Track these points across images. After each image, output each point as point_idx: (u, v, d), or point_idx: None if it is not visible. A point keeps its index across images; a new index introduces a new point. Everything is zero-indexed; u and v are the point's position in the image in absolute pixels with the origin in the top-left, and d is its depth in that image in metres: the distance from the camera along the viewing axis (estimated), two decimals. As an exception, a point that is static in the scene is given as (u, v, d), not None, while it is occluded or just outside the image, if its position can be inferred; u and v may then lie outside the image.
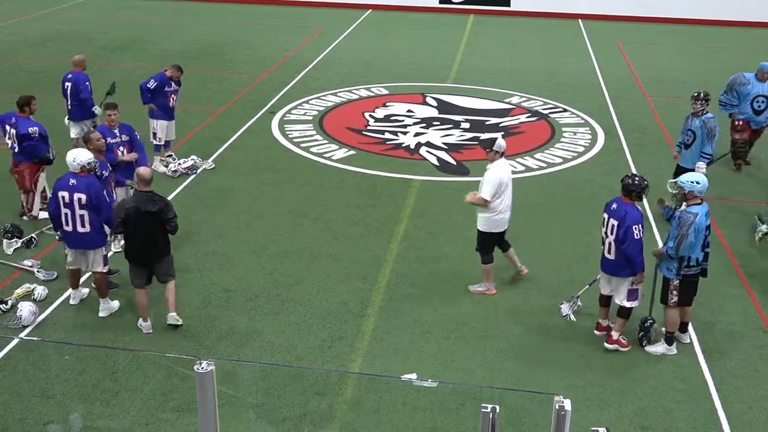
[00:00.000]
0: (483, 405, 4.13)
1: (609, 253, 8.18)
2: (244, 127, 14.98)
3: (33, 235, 10.35)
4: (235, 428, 7.02)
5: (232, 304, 9.07)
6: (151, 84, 12.39)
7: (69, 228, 8.58)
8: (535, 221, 11.32)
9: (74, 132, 12.40)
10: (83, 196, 8.45)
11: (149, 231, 8.28)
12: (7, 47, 21.00)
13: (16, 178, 10.85)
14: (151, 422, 7.08)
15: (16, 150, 10.73)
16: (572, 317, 8.86)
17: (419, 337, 8.51)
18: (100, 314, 8.76)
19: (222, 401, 4.87)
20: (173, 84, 12.66)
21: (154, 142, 12.79)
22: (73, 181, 8.50)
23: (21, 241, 10.23)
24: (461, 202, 12.00)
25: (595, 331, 8.61)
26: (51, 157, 10.82)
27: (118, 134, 10.30)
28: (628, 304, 8.26)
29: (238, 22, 24.94)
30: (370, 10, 27.39)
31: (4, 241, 10.16)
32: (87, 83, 12.30)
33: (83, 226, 8.53)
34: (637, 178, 8.11)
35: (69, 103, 12.36)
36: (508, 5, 27.59)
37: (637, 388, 7.75)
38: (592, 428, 4.66)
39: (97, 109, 12.34)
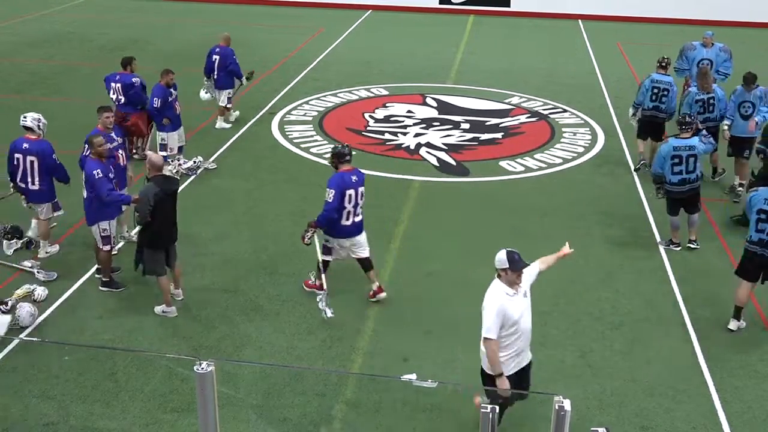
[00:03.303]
0: (483, 405, 4.13)
1: (356, 216, 8.98)
2: (245, 128, 14.98)
3: (31, 235, 10.36)
4: (235, 429, 7.02)
5: (232, 304, 9.07)
6: (157, 103, 12.17)
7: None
8: (536, 221, 11.31)
9: (222, 99, 14.67)
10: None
11: (173, 211, 8.71)
12: (7, 47, 20.99)
13: (132, 129, 11.82)
14: (151, 423, 7.08)
15: (122, 102, 12.11)
16: (328, 312, 8.45)
17: (419, 337, 8.51)
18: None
19: (222, 402, 4.87)
20: (172, 91, 12.57)
21: (164, 154, 12.48)
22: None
23: (21, 241, 10.24)
24: (461, 203, 12.08)
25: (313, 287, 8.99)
26: (148, 107, 12.24)
27: (115, 137, 9.93)
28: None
29: (238, 22, 24.93)
30: (370, 11, 27.38)
31: (4, 242, 10.16)
32: (234, 57, 14.55)
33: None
34: (340, 145, 9.07)
35: (216, 74, 14.49)
36: (508, 5, 27.58)
37: (637, 388, 7.75)
38: (592, 428, 4.65)
39: (244, 80, 14.78)
